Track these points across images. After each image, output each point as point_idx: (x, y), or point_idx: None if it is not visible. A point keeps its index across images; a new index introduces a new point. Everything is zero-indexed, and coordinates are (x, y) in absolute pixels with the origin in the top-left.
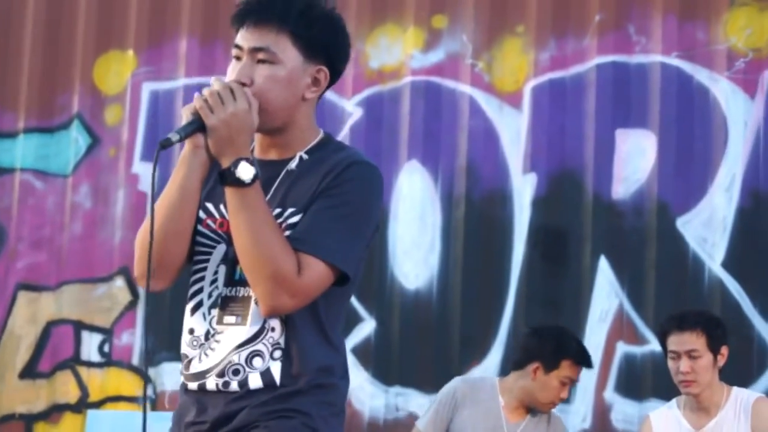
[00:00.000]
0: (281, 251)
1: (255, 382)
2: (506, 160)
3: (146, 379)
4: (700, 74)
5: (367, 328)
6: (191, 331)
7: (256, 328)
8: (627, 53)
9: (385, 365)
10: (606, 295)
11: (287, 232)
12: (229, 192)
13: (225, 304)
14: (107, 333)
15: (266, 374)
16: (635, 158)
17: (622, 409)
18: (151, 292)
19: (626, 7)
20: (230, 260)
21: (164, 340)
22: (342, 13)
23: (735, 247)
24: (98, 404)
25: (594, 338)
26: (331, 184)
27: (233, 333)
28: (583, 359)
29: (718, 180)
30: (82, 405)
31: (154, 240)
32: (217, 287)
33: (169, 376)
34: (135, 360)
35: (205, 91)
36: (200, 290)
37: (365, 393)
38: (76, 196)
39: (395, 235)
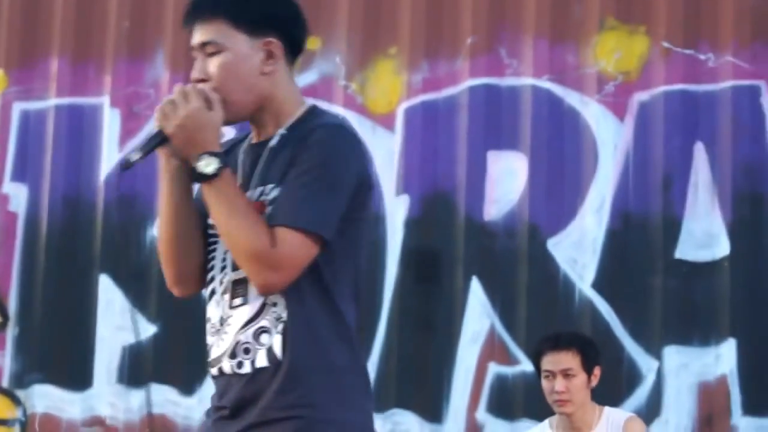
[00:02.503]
0: (252, 231)
1: (261, 360)
2: (379, 181)
3: None
4: (571, 97)
5: None
6: (208, 320)
7: (257, 305)
8: (499, 76)
9: None
10: (478, 316)
11: (269, 208)
12: (202, 187)
13: (234, 287)
14: None
15: (270, 351)
16: (507, 180)
17: (493, 429)
18: (182, 296)
19: (498, 30)
20: None
21: (35, 362)
22: None
23: (605, 268)
24: None
25: (466, 359)
26: (298, 152)
27: (240, 313)
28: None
29: (589, 202)
30: None
31: (168, 252)
32: (226, 273)
33: (39, 399)
34: (5, 382)
35: (163, 101)
36: (212, 279)
37: None
38: None
39: None
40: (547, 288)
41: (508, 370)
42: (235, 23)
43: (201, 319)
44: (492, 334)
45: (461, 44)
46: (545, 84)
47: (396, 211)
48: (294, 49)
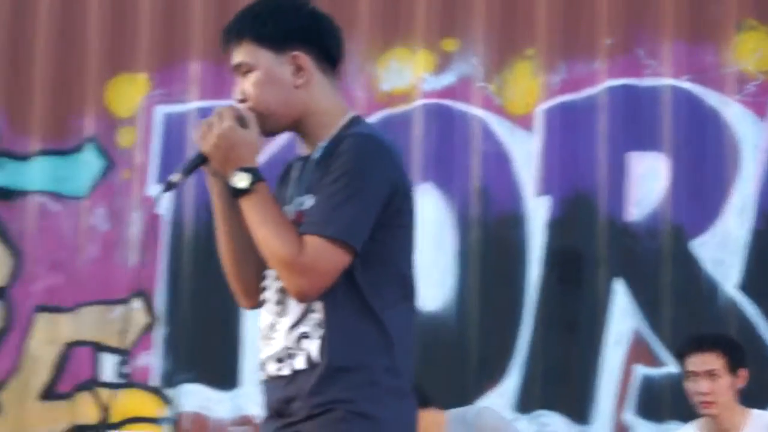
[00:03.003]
0: (281, 239)
1: (300, 363)
2: (519, 182)
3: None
4: (711, 97)
5: None
6: (262, 326)
7: (299, 311)
8: (637, 76)
9: None
10: (622, 317)
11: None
12: (240, 202)
13: (281, 295)
14: (125, 354)
15: (308, 355)
16: (648, 181)
17: (641, 431)
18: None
19: (635, 31)
20: None
21: (184, 361)
22: (352, 35)
23: (750, 268)
24: (118, 426)
25: (611, 361)
26: (330, 164)
27: (285, 320)
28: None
29: (732, 202)
30: (101, 426)
31: (229, 268)
32: (277, 280)
33: (187, 398)
34: (154, 381)
35: (201, 122)
36: (266, 287)
37: None
38: (91, 219)
39: None
40: (691, 289)
41: (654, 372)
42: (259, 42)
43: None
44: (637, 336)
45: (599, 45)
46: (685, 84)
47: (536, 212)
48: (328, 58)
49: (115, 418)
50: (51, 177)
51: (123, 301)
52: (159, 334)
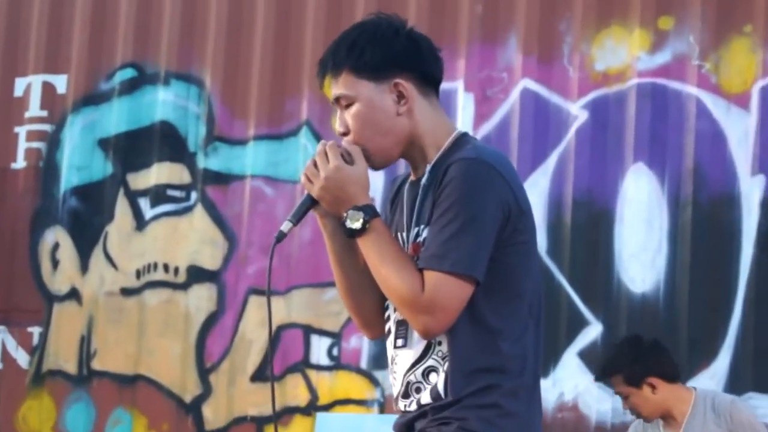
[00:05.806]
0: (401, 278)
1: (426, 397)
2: (734, 161)
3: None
4: None
5: (593, 331)
6: (388, 357)
7: (422, 346)
8: None
9: None
10: None
11: (422, 249)
12: (357, 241)
13: (397, 328)
14: (336, 337)
15: (434, 388)
16: None
17: None
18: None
19: None
20: None
21: None
22: (567, 16)
23: None
24: (327, 407)
25: None
26: (438, 192)
27: (404, 355)
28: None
29: None
30: (311, 408)
31: (347, 302)
32: (396, 312)
33: None
34: (363, 364)
35: (306, 164)
36: (388, 318)
37: (592, 397)
38: None
39: (621, 239)
40: None
41: None
42: (357, 73)
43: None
44: None
45: None
46: None
47: (751, 192)
48: (429, 80)
49: (324, 399)
50: (266, 161)
51: (334, 284)
52: None
